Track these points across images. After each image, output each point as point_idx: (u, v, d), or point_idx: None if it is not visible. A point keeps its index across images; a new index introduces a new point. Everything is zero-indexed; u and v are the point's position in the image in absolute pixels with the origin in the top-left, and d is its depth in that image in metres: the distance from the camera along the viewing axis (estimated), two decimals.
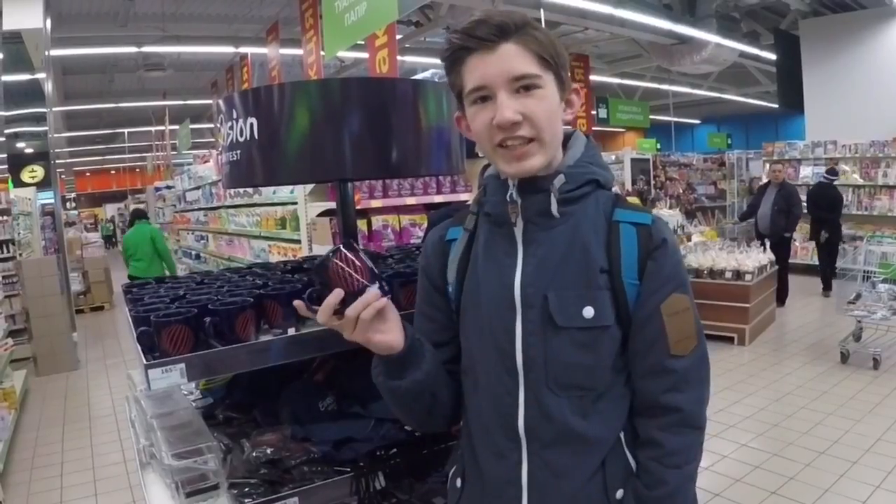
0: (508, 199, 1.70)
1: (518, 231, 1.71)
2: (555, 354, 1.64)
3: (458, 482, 1.87)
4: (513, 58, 1.56)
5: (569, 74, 1.69)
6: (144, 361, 1.83)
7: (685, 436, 1.67)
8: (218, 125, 2.42)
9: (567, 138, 1.76)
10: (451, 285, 1.85)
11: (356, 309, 1.59)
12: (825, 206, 12.62)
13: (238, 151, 2.20)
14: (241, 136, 2.17)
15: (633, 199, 11.25)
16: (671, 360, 1.65)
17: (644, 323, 1.65)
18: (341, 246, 1.65)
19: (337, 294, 1.59)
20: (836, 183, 13.23)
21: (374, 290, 1.61)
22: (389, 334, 1.66)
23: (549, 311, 1.63)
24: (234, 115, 2.20)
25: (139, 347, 1.92)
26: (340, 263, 1.62)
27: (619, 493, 1.68)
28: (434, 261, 1.90)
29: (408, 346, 1.69)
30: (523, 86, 1.58)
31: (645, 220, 1.68)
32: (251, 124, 2.13)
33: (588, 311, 1.61)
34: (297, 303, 1.67)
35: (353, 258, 1.64)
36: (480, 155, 3.35)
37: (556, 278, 1.64)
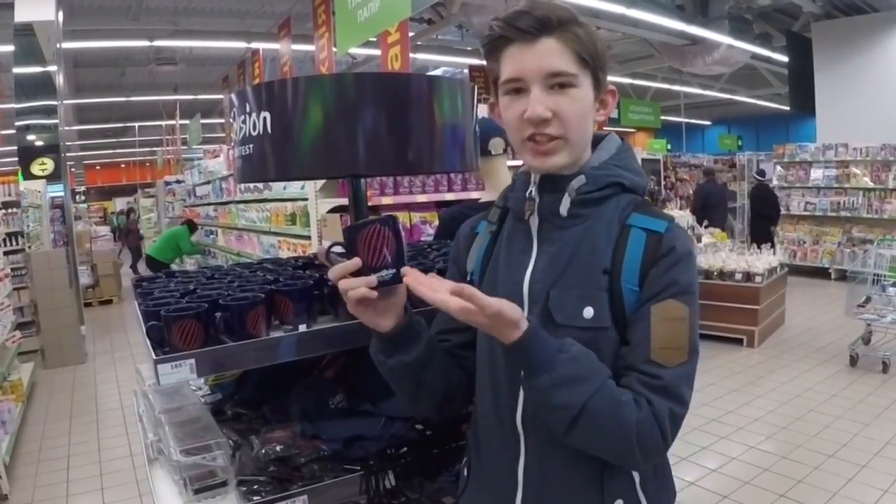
0: (527, 195, 1.70)
1: (534, 228, 1.70)
2: None
3: (465, 471, 1.90)
4: (551, 54, 1.55)
5: (606, 75, 1.67)
6: (154, 356, 1.81)
7: (652, 427, 1.51)
8: (230, 119, 2.41)
9: (600, 139, 1.75)
10: (471, 275, 1.86)
11: (345, 285, 1.60)
12: (771, 204, 12.90)
13: (251, 146, 2.19)
14: (254, 130, 2.15)
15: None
16: (651, 367, 1.53)
17: (633, 322, 1.59)
18: (385, 220, 1.65)
19: (354, 263, 1.60)
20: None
21: (372, 278, 1.60)
22: (380, 315, 1.66)
23: (549, 308, 1.62)
24: (248, 109, 2.18)
25: (148, 342, 1.91)
26: (370, 236, 1.63)
27: (619, 503, 1.65)
28: (463, 252, 1.92)
29: (396, 332, 1.69)
30: (558, 83, 1.56)
31: (657, 228, 1.62)
32: (264, 118, 2.11)
33: (588, 312, 1.58)
34: (319, 249, 1.66)
35: (384, 237, 1.64)
36: (493, 153, 3.33)
37: (562, 277, 1.63)
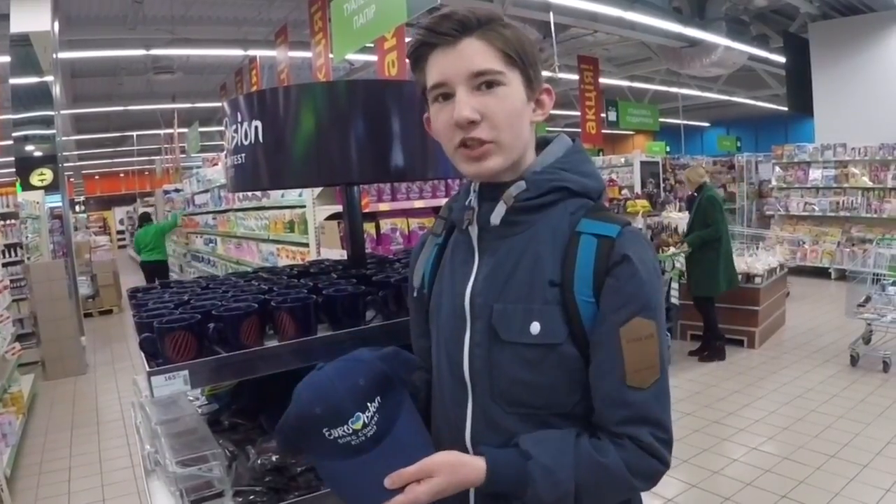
0: (467, 204, 1.66)
1: (474, 238, 1.66)
2: (500, 370, 1.56)
3: None
4: (474, 53, 1.50)
5: (540, 73, 1.62)
6: (147, 368, 1.81)
7: (643, 459, 1.51)
8: (224, 128, 2.40)
9: (547, 142, 1.69)
10: (418, 290, 1.83)
11: None
12: None
13: (243, 155, 2.18)
14: (246, 139, 2.15)
15: (642, 202, 11.21)
16: (627, 392, 1.49)
17: (599, 345, 1.51)
18: None
19: None
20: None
21: None
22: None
23: (493, 324, 1.57)
24: (239, 119, 2.18)
25: (142, 354, 1.91)
26: None
27: None
28: (414, 267, 1.88)
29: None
30: (485, 82, 1.51)
31: (609, 232, 1.53)
32: (256, 127, 2.11)
33: (535, 327, 1.51)
34: None
35: None
36: None
37: (505, 290, 1.57)
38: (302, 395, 1.55)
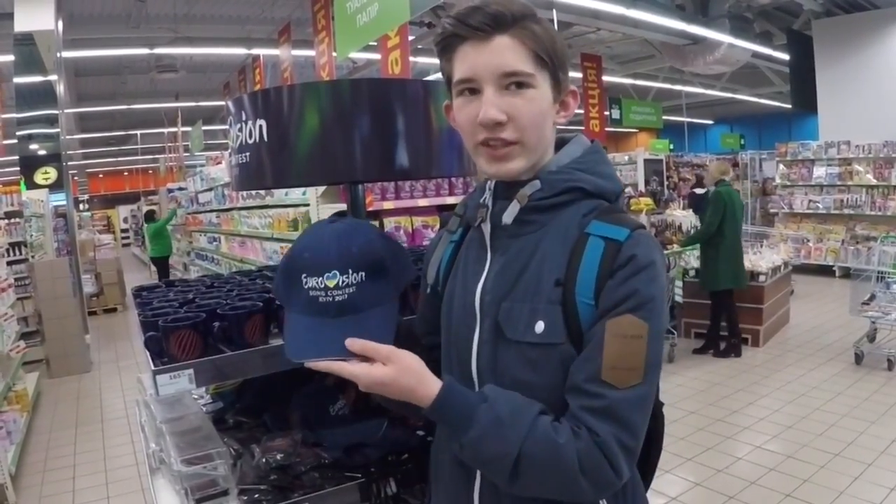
0: (481, 202, 1.65)
1: (487, 236, 1.64)
2: (504, 368, 1.53)
3: (433, 481, 1.83)
4: (505, 52, 1.46)
5: (567, 75, 1.59)
6: (152, 367, 1.81)
7: (597, 458, 1.39)
8: (228, 126, 2.40)
9: (565, 142, 1.67)
10: (431, 287, 1.81)
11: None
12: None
13: (247, 153, 2.18)
14: (251, 138, 2.14)
15: (646, 200, 11.21)
16: (600, 385, 1.40)
17: (589, 338, 1.45)
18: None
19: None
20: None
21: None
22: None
23: (498, 322, 1.54)
24: (243, 117, 2.18)
25: (147, 353, 1.91)
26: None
27: None
28: (428, 263, 1.86)
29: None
30: (514, 83, 1.47)
31: (617, 236, 1.48)
32: (260, 126, 2.11)
33: (539, 326, 1.48)
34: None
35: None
36: None
37: (514, 289, 1.54)
38: (302, 240, 1.71)
